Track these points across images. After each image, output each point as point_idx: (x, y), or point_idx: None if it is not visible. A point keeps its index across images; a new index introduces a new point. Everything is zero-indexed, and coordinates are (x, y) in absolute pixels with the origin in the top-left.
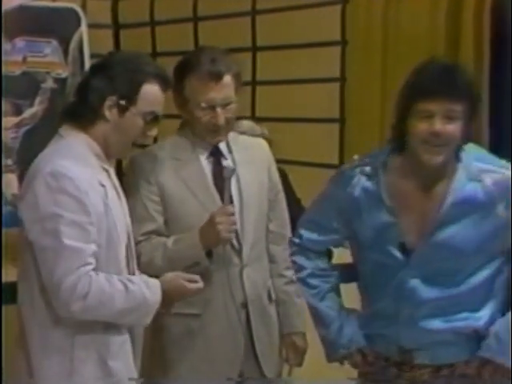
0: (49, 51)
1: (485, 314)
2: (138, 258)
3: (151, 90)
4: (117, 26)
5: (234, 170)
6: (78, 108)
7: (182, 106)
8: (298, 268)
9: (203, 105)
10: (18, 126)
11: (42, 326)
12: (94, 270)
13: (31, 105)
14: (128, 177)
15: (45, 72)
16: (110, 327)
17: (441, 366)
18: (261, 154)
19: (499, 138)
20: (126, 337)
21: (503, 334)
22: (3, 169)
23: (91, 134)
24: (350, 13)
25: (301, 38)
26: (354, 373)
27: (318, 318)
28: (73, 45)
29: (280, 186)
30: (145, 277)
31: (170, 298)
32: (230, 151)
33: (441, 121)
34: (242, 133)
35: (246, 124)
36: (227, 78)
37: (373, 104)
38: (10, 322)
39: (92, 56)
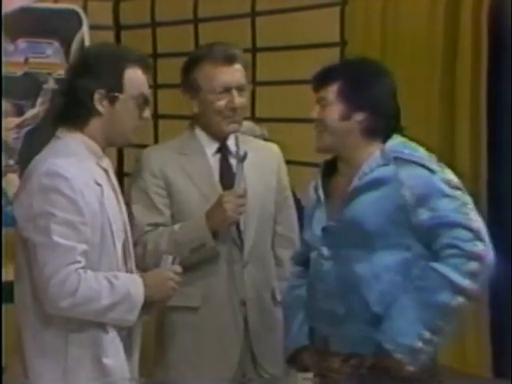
0: (50, 52)
1: (385, 301)
2: (145, 247)
3: (134, 74)
4: (118, 27)
5: (246, 154)
6: (70, 110)
7: (194, 97)
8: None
9: (218, 89)
10: (19, 126)
11: (35, 325)
12: (83, 268)
13: (33, 105)
14: (137, 171)
15: (46, 73)
16: (100, 325)
17: (351, 355)
18: (270, 157)
19: (497, 139)
20: (115, 334)
21: (396, 320)
22: (5, 169)
23: (88, 133)
24: (349, 14)
25: (300, 39)
26: None
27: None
28: (74, 46)
29: (289, 191)
30: (131, 274)
31: (154, 292)
32: (239, 149)
33: (316, 107)
34: (242, 133)
35: (246, 124)
36: (239, 65)
37: None
38: (11, 322)
39: None
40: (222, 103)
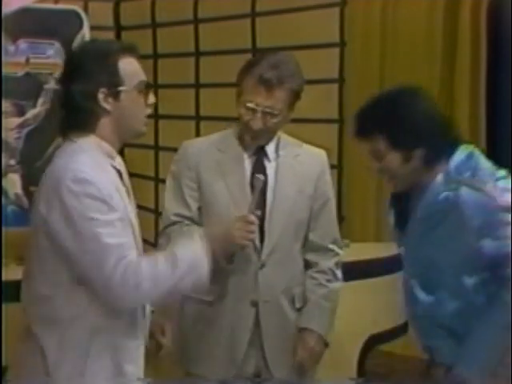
0: (51, 53)
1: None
2: (169, 239)
3: (129, 64)
4: (118, 28)
5: (262, 182)
6: (78, 117)
7: (238, 97)
8: None
9: (247, 104)
10: (20, 126)
11: (59, 326)
12: (136, 259)
13: (34, 105)
14: (175, 160)
15: (47, 73)
16: (127, 331)
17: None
18: (312, 162)
19: (496, 137)
20: (142, 341)
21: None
22: (7, 169)
23: (99, 134)
24: (349, 15)
25: (300, 39)
26: (353, 373)
27: None
28: (75, 46)
29: (328, 198)
30: (188, 241)
31: (222, 245)
32: (277, 153)
33: (372, 160)
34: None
35: None
36: (279, 91)
37: None
38: (11, 321)
39: None
40: (245, 118)
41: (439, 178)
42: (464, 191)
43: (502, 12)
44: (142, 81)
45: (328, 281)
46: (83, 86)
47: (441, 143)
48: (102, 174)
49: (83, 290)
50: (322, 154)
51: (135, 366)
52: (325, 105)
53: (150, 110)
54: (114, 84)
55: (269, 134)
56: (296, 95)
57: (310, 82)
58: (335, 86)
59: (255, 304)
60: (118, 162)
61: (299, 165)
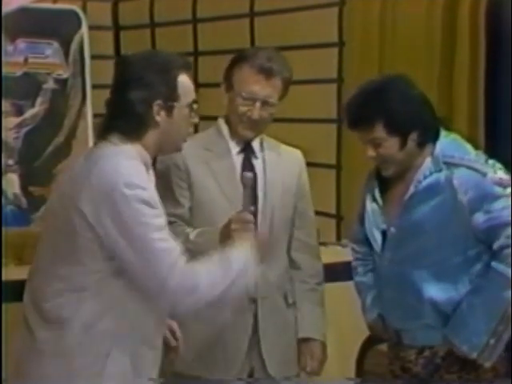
0: (50, 52)
1: (452, 300)
2: None
3: (185, 81)
4: (117, 28)
5: (251, 179)
6: (127, 122)
7: (227, 91)
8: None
9: (244, 95)
10: (19, 126)
11: (80, 326)
12: (188, 262)
13: (32, 105)
14: (163, 162)
15: (46, 73)
16: (146, 339)
17: (423, 348)
18: (293, 161)
19: (495, 136)
20: (160, 351)
21: (467, 321)
22: (5, 168)
23: (143, 144)
24: (347, 14)
25: (298, 39)
26: (353, 373)
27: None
28: (73, 46)
29: (309, 197)
30: (229, 248)
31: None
32: (262, 151)
33: (368, 147)
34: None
35: None
36: (276, 80)
37: None
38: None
39: (92, 57)
40: (243, 109)
41: (428, 159)
42: (455, 169)
43: (501, 11)
44: (194, 100)
45: (318, 284)
46: (141, 94)
47: (430, 126)
48: (146, 180)
49: (111, 291)
50: (299, 153)
51: (151, 373)
52: (323, 105)
53: (191, 129)
54: (170, 98)
55: (263, 125)
56: (287, 87)
57: (309, 81)
58: (334, 86)
59: (253, 300)
60: (150, 172)
61: (283, 162)
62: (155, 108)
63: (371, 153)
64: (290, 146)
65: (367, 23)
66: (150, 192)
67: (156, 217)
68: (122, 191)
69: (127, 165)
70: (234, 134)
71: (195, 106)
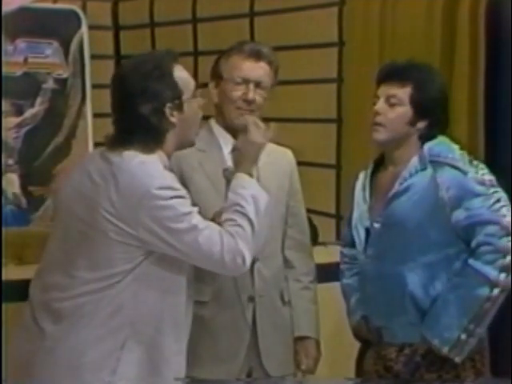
0: (50, 52)
1: (430, 297)
2: None
3: (180, 73)
4: (117, 28)
5: (232, 173)
6: (146, 135)
7: (216, 87)
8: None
9: (237, 79)
10: (19, 126)
11: (95, 318)
12: (226, 231)
13: (32, 105)
14: None
15: (46, 73)
16: (167, 330)
17: (404, 345)
18: (284, 160)
19: (495, 136)
20: (184, 347)
21: (440, 316)
22: (5, 168)
23: (164, 148)
24: (347, 14)
25: (298, 39)
26: (352, 373)
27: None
28: (73, 46)
29: (301, 195)
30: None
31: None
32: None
33: (381, 102)
34: None
35: None
36: (265, 63)
37: (370, 105)
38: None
39: (92, 57)
40: (237, 93)
41: (415, 158)
42: (439, 167)
43: (501, 11)
44: (195, 87)
45: (311, 282)
46: (152, 107)
47: (437, 129)
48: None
49: (129, 283)
50: (289, 152)
51: (173, 370)
52: (323, 105)
53: (201, 113)
54: (176, 96)
55: (257, 110)
56: (276, 74)
57: (309, 81)
58: (333, 86)
59: (252, 299)
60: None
61: (275, 160)
62: (168, 111)
63: (381, 106)
64: (290, 146)
65: (367, 23)
66: (179, 186)
67: (191, 206)
68: (157, 193)
69: (157, 169)
70: (227, 128)
71: (197, 92)
